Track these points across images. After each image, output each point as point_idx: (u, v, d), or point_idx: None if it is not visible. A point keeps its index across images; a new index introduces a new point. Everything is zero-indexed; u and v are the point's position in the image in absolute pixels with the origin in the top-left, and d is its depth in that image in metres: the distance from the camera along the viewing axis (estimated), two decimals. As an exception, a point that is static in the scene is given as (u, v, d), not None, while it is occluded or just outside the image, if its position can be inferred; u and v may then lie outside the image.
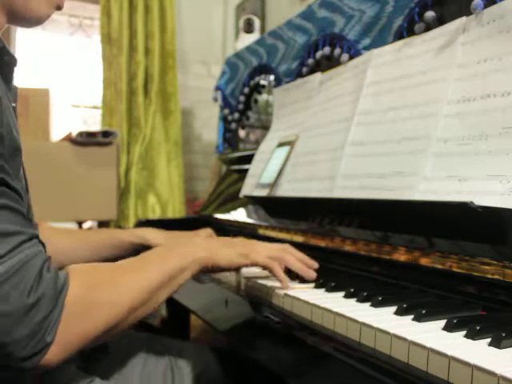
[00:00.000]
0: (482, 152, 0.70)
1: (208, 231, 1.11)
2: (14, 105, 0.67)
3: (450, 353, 0.45)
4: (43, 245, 0.66)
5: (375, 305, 0.63)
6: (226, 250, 0.75)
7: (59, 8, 0.71)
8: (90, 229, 2.41)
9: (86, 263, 0.62)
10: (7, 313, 0.49)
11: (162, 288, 0.65)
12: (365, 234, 0.85)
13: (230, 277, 0.91)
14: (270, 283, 0.78)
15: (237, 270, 0.80)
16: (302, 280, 0.78)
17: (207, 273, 0.75)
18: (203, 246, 0.74)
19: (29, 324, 0.50)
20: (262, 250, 0.77)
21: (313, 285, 0.77)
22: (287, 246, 0.81)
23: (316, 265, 0.81)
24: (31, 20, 0.69)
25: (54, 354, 0.52)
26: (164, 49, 2.62)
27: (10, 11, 0.66)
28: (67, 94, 2.72)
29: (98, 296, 0.57)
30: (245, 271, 0.87)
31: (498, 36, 0.75)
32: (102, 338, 0.58)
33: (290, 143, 1.22)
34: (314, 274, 0.78)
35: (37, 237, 0.57)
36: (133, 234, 1.02)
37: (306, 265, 0.79)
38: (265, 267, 0.77)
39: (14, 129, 0.59)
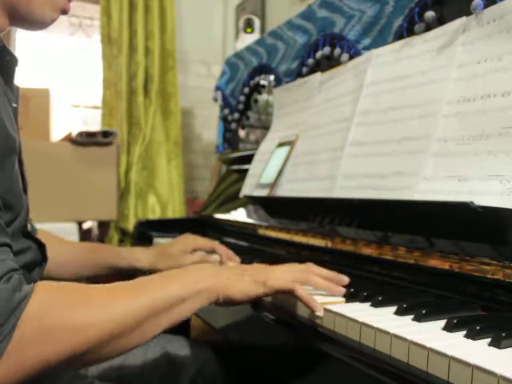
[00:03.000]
0: (482, 152, 0.70)
1: (191, 236, 1.05)
2: (15, 105, 0.67)
3: (449, 353, 0.45)
4: (42, 249, 0.65)
5: (375, 305, 0.63)
6: (240, 280, 0.65)
7: (65, 12, 0.70)
8: (89, 230, 2.42)
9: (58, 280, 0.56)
10: None
11: (153, 318, 0.55)
12: (365, 233, 0.85)
13: None
14: None
15: (254, 301, 0.68)
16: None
17: (220, 306, 0.64)
18: (211, 276, 0.63)
19: None
20: (281, 275, 0.66)
21: (344, 299, 0.68)
22: (310, 266, 0.71)
23: (346, 279, 0.71)
24: (34, 23, 0.68)
25: (2, 375, 0.46)
26: (164, 49, 2.62)
27: (13, 14, 0.65)
28: (67, 94, 2.72)
29: (62, 318, 0.49)
30: None
31: (498, 36, 0.75)
32: (69, 364, 0.51)
33: (290, 143, 1.22)
34: (342, 290, 0.68)
35: (7, 245, 0.52)
36: (118, 257, 0.97)
37: (333, 280, 0.70)
38: (286, 292, 0.66)
39: (12, 128, 0.59)
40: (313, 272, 0.69)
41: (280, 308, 0.72)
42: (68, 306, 0.51)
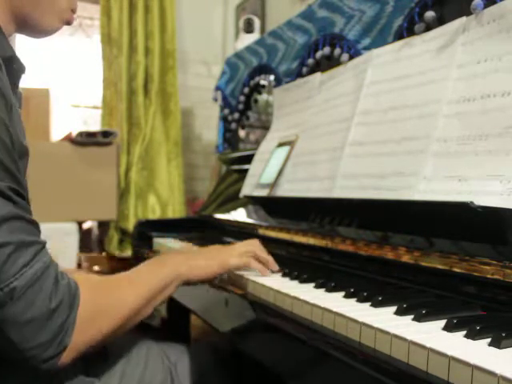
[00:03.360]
0: (482, 152, 0.70)
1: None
2: (19, 110, 0.68)
3: (449, 353, 0.45)
4: None
5: (375, 305, 0.63)
6: (205, 263, 0.80)
7: (69, 23, 0.73)
8: (89, 230, 2.42)
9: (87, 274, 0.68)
10: (32, 319, 0.53)
11: (152, 300, 0.71)
12: (365, 234, 0.85)
13: None
14: (268, 282, 0.78)
15: (214, 279, 0.85)
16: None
17: (191, 285, 0.81)
18: (184, 263, 0.78)
19: (51, 328, 0.55)
20: (234, 253, 0.84)
21: (280, 274, 0.85)
22: (253, 241, 0.89)
23: (276, 266, 0.87)
24: (40, 33, 0.72)
25: (68, 355, 0.57)
26: (164, 49, 2.62)
27: (22, 22, 0.68)
28: (67, 94, 2.72)
29: (105, 302, 0.63)
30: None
31: (497, 36, 0.75)
32: (108, 338, 0.64)
33: (290, 143, 1.22)
34: (277, 267, 0.86)
35: (41, 242, 0.59)
36: None
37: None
38: (244, 266, 0.83)
39: (22, 134, 0.62)
40: (257, 247, 0.87)
41: (281, 312, 0.72)
42: (107, 291, 0.65)
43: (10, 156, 0.55)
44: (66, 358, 0.57)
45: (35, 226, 0.59)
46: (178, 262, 0.78)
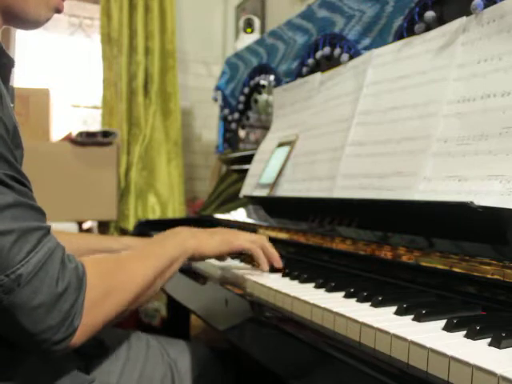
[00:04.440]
0: (482, 152, 0.70)
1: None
2: (12, 105, 0.68)
3: (449, 353, 0.45)
4: None
5: (375, 305, 0.63)
6: (211, 239, 0.82)
7: (59, 11, 0.71)
8: (89, 230, 2.42)
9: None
10: (40, 304, 0.54)
11: (162, 274, 0.72)
12: (365, 234, 0.85)
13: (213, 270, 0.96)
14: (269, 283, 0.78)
15: (221, 257, 0.86)
16: (272, 269, 0.86)
17: (194, 261, 0.83)
18: (191, 237, 0.80)
19: (60, 311, 0.55)
20: (243, 237, 0.85)
21: (280, 274, 0.85)
22: (263, 236, 0.89)
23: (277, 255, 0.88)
24: (29, 23, 0.68)
25: (79, 337, 0.58)
26: (164, 49, 2.62)
27: (7, 13, 0.66)
28: (67, 94, 2.72)
29: (112, 283, 0.63)
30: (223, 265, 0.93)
31: (497, 36, 0.75)
32: (116, 319, 0.65)
33: (290, 143, 1.22)
34: (281, 264, 0.87)
35: (45, 227, 0.60)
36: (117, 241, 1.04)
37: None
38: (248, 250, 0.84)
39: (15, 127, 0.60)
40: (265, 241, 0.87)
41: (282, 311, 0.72)
42: (115, 270, 0.65)
43: (5, 145, 0.55)
44: (79, 338, 0.58)
45: (38, 211, 0.59)
46: (186, 238, 0.79)
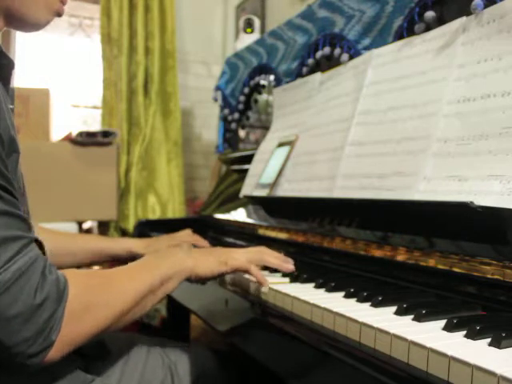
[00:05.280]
0: (482, 152, 0.70)
1: (188, 232, 1.15)
2: (11, 106, 0.68)
3: (449, 353, 0.45)
4: (41, 244, 0.67)
5: (375, 305, 0.63)
6: (207, 260, 0.79)
7: (59, 15, 0.71)
8: (89, 230, 2.42)
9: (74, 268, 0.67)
10: (16, 314, 0.52)
11: (151, 294, 0.69)
12: (365, 234, 0.85)
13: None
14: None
15: (218, 277, 0.82)
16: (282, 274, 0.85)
17: (191, 282, 0.79)
18: (187, 257, 0.77)
19: (36, 323, 0.54)
20: (239, 257, 0.81)
21: (288, 280, 0.82)
22: (263, 248, 0.86)
23: (291, 260, 0.85)
24: (29, 25, 0.69)
25: (56, 351, 0.56)
26: (164, 49, 2.62)
27: (8, 16, 0.66)
28: (67, 94, 2.72)
29: (95, 298, 0.61)
30: None
31: (497, 36, 0.75)
32: (99, 334, 0.62)
33: (290, 143, 1.22)
34: (292, 267, 0.84)
35: (36, 240, 0.59)
36: (115, 243, 1.05)
37: (281, 259, 0.85)
38: (244, 271, 0.81)
39: (13, 129, 0.60)
40: (265, 253, 0.84)
41: (282, 312, 0.72)
42: (98, 286, 0.63)
43: None
44: (57, 352, 0.56)
45: (22, 220, 0.57)
46: (182, 258, 0.77)
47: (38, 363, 0.55)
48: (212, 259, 0.79)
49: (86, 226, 2.34)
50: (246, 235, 1.25)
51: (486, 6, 0.79)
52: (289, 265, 0.84)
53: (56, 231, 1.03)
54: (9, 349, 0.53)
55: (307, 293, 0.71)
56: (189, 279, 0.77)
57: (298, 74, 1.39)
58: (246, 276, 0.84)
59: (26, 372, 0.58)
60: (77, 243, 1.04)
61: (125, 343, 0.90)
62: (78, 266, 1.03)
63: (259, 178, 1.28)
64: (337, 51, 1.20)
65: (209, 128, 2.87)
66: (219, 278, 0.85)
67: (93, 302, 0.60)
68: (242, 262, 0.80)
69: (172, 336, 1.09)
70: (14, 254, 0.54)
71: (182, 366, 0.91)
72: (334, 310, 0.61)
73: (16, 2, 0.65)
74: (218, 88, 1.93)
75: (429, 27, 0.93)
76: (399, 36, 1.01)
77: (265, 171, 1.27)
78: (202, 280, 0.79)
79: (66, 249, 1.01)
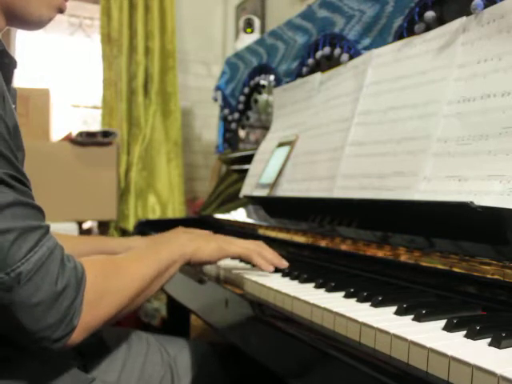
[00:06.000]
0: (482, 152, 0.70)
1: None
2: (13, 106, 0.68)
3: (449, 353, 0.45)
4: None
5: (375, 305, 0.63)
6: (208, 245, 0.82)
7: (61, 11, 0.70)
8: (89, 230, 2.42)
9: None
10: (39, 302, 0.55)
11: (159, 277, 0.73)
12: (365, 234, 0.85)
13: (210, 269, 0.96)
14: (263, 280, 0.78)
15: (216, 262, 0.86)
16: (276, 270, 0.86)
17: (191, 266, 0.83)
18: (189, 242, 0.81)
19: (59, 310, 0.56)
20: (241, 244, 0.85)
21: (280, 274, 0.84)
22: (261, 242, 0.88)
23: (284, 260, 0.87)
24: (31, 23, 0.68)
25: (77, 335, 0.59)
26: (164, 49, 2.62)
27: (9, 14, 0.66)
28: (67, 94, 2.72)
29: (111, 284, 0.65)
30: (223, 264, 0.93)
31: (497, 36, 0.75)
32: (114, 318, 0.66)
33: (290, 143, 1.22)
34: (286, 263, 0.85)
35: (44, 227, 0.61)
36: (120, 244, 1.05)
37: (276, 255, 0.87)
38: (244, 257, 0.84)
39: (17, 128, 0.61)
40: (263, 248, 0.86)
41: (282, 312, 0.72)
42: (113, 271, 0.67)
43: (6, 144, 0.55)
44: (77, 336, 0.59)
45: (38, 210, 0.59)
46: (184, 242, 0.80)
47: (61, 347, 0.58)
48: (212, 244, 0.82)
49: (85, 225, 2.34)
50: (246, 235, 1.25)
51: (486, 6, 0.79)
52: (283, 261, 0.86)
53: (57, 233, 1.03)
54: (34, 334, 0.55)
55: (307, 293, 0.71)
56: (189, 263, 0.80)
57: (297, 74, 1.39)
58: (246, 276, 0.84)
59: (47, 355, 0.64)
60: (78, 247, 1.03)
61: (124, 340, 0.91)
62: None
63: (259, 178, 1.28)
64: (337, 51, 1.20)
65: (209, 128, 2.87)
66: (219, 281, 0.86)
67: (108, 287, 0.64)
68: (241, 249, 0.83)
69: (172, 336, 1.09)
70: (33, 245, 0.55)
71: (182, 361, 0.91)
72: (334, 309, 0.61)
73: (18, 0, 0.65)
74: (217, 88, 1.93)
75: (429, 27, 0.93)
76: (399, 36, 1.01)
77: (265, 171, 1.27)
78: (202, 263, 0.83)
79: (71, 253, 1.01)
